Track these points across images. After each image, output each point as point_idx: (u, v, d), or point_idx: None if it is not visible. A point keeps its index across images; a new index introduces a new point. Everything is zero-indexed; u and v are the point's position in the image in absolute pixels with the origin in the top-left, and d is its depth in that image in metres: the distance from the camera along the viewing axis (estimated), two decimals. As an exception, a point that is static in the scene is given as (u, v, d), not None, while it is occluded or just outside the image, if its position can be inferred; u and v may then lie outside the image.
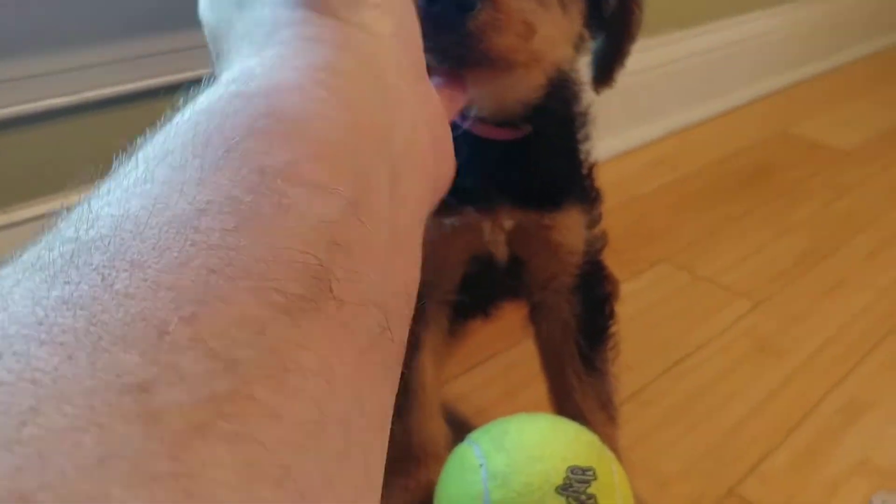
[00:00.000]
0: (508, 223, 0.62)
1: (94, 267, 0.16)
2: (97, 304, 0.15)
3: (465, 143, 0.55)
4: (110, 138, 0.85)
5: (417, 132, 0.26)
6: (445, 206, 0.54)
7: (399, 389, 0.25)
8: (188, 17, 0.87)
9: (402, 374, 0.27)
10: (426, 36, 0.33)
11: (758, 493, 0.75)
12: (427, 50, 0.32)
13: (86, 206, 0.19)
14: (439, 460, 0.68)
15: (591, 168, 0.72)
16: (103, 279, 0.16)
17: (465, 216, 0.60)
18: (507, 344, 0.90)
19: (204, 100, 0.21)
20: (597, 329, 0.68)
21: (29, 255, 0.18)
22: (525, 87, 0.57)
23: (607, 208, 1.26)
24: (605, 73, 0.63)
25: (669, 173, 1.42)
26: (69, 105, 0.81)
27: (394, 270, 0.22)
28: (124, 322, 0.15)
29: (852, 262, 1.15)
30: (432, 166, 0.28)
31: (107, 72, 0.83)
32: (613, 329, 0.70)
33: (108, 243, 0.17)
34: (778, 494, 0.75)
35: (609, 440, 0.67)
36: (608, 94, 1.40)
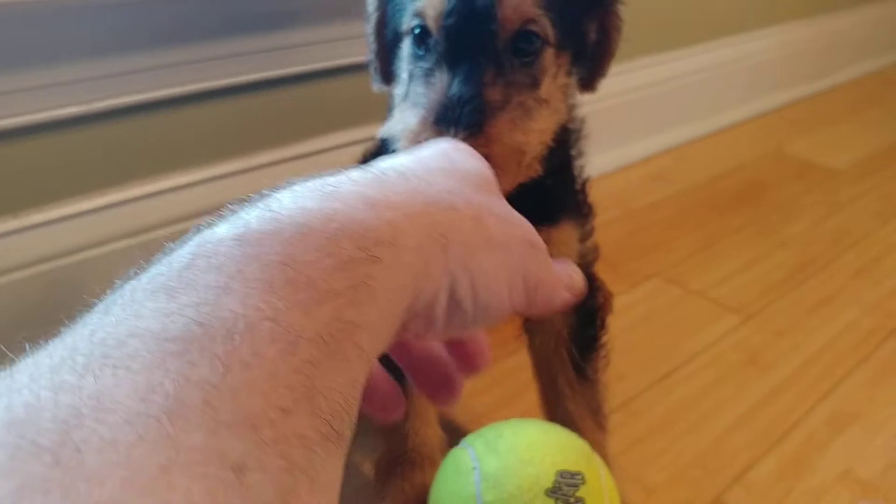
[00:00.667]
0: None
1: (216, 355, 0.20)
2: (213, 390, 0.20)
3: None
4: (118, 146, 0.88)
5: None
6: None
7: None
8: (193, 31, 0.90)
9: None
10: None
11: (743, 502, 0.77)
12: None
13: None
14: (434, 463, 0.70)
15: (584, 184, 0.75)
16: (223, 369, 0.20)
17: None
18: (503, 353, 0.93)
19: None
20: (588, 339, 0.71)
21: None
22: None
23: (603, 221, 1.29)
24: (588, 82, 0.68)
25: (665, 188, 1.45)
26: (79, 114, 0.84)
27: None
28: (232, 412, 0.20)
29: (841, 278, 1.18)
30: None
31: (114, 83, 0.85)
32: (604, 340, 0.72)
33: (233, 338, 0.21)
34: (763, 503, 0.77)
35: (598, 446, 0.69)
36: (607, 111, 1.43)
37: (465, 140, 0.50)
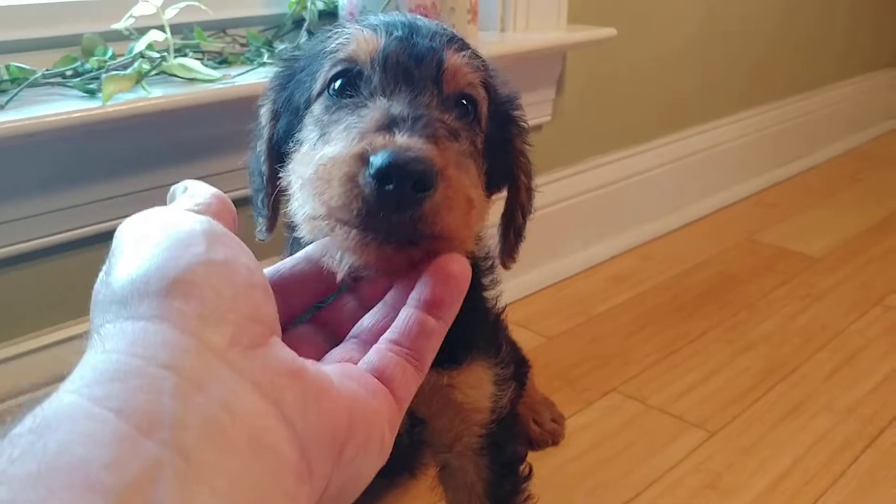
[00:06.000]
0: None
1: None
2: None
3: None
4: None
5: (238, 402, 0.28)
6: None
7: None
8: (117, 168, 0.86)
9: None
10: (371, 216, 0.37)
11: None
12: (370, 229, 0.37)
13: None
14: None
15: (497, 316, 0.69)
16: None
17: None
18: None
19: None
20: (506, 493, 0.64)
21: None
22: None
23: (563, 332, 1.24)
24: (507, 249, 0.60)
25: (629, 290, 1.39)
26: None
27: None
28: None
29: (812, 381, 1.11)
30: (275, 431, 0.28)
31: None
32: (527, 492, 0.65)
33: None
34: None
35: None
36: (566, 212, 1.39)
37: (418, 152, 0.39)
